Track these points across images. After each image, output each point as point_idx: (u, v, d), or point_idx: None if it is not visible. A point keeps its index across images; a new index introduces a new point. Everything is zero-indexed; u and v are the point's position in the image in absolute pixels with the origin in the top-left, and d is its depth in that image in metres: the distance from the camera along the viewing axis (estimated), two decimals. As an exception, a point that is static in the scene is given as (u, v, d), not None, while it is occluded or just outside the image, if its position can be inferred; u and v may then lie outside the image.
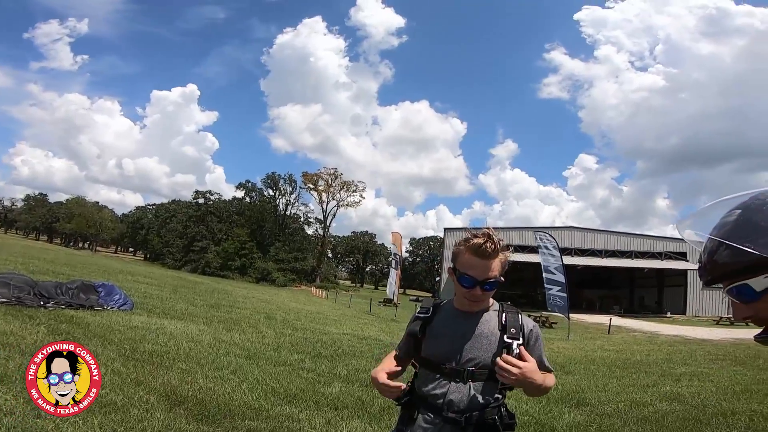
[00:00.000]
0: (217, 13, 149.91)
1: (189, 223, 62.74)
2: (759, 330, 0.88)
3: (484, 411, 1.56)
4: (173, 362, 5.35)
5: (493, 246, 1.55)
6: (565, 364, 8.85)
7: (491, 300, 1.71)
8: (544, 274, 20.03)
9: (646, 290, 44.75)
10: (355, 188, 65.18)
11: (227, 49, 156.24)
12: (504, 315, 1.65)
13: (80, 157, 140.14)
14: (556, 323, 21.82)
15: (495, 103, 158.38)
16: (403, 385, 1.62)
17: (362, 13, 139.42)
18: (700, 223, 0.88)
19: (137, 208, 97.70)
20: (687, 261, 40.63)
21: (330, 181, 64.27)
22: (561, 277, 19.11)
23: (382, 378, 1.60)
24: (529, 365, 1.49)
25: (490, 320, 1.65)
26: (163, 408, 3.70)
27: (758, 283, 0.80)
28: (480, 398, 1.57)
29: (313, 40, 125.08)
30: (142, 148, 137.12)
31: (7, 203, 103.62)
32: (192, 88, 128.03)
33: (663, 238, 45.10)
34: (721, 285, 0.87)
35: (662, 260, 41.23)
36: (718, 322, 27.57)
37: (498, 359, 1.49)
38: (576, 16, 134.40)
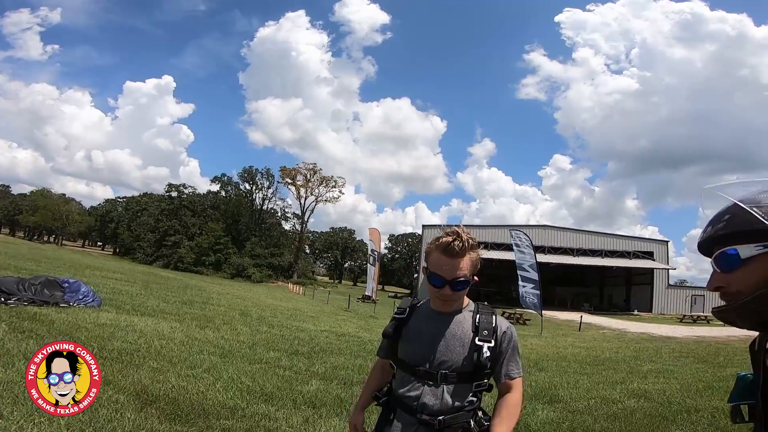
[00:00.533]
0: (197, 5, 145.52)
1: (161, 217, 60.96)
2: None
3: (458, 414, 1.55)
4: (144, 360, 5.20)
5: (461, 244, 1.52)
6: (538, 360, 9.06)
7: (467, 300, 1.69)
8: (518, 272, 20.40)
9: (614, 288, 46.31)
10: (334, 184, 64.80)
11: (206, 41, 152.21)
12: (478, 316, 1.63)
13: (46, 149, 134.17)
14: (529, 320, 22.29)
15: (474, 102, 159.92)
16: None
17: (347, 8, 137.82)
18: (727, 190, 0.90)
19: (106, 200, 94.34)
20: (654, 260, 42.27)
21: (309, 176, 63.63)
22: (534, 275, 19.51)
23: (353, 430, 1.78)
24: None
25: (464, 321, 1.63)
26: (133, 408, 3.58)
27: (746, 250, 0.84)
28: (453, 401, 1.55)
29: (296, 34, 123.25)
30: (113, 140, 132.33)
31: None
32: (168, 80, 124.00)
33: (632, 237, 46.82)
34: (713, 251, 0.90)
35: (630, 259, 42.69)
36: (682, 320, 28.75)
37: None
38: (557, 18, 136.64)
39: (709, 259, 0.91)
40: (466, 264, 1.55)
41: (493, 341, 1.58)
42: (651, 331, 19.54)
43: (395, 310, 1.78)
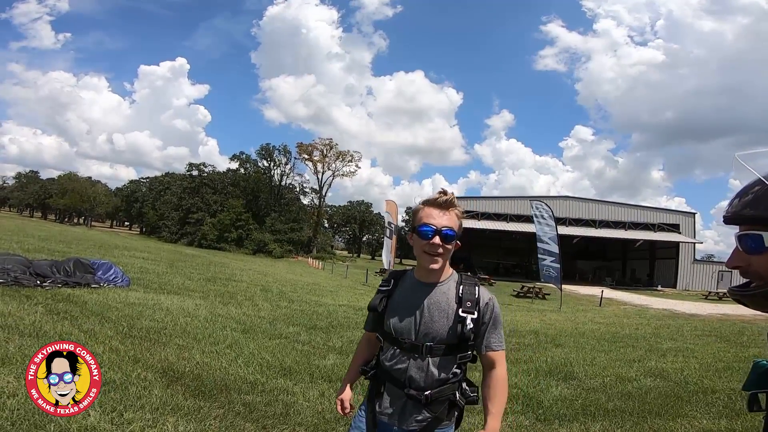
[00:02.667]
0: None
1: (184, 195, 62.32)
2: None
3: (444, 387, 1.59)
4: (170, 338, 5.44)
5: (449, 198, 1.61)
6: (555, 336, 9.06)
7: (450, 270, 1.71)
8: (538, 244, 20.15)
9: (638, 262, 45.40)
10: (350, 158, 64.77)
11: (217, 21, 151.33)
12: (461, 287, 1.64)
13: (69, 134, 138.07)
14: (548, 294, 22.22)
15: (491, 74, 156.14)
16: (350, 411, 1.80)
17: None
18: (760, 161, 0.88)
19: (131, 181, 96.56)
20: (680, 233, 41.10)
21: (325, 151, 63.71)
22: (555, 248, 19.25)
23: (339, 406, 1.82)
24: None
25: (448, 292, 1.63)
26: (160, 385, 3.78)
27: None
28: (439, 374, 1.58)
29: (305, 11, 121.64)
30: (133, 123, 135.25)
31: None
32: (181, 62, 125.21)
33: (657, 209, 45.46)
34: (737, 227, 0.89)
35: (655, 232, 41.63)
36: (707, 297, 28.20)
37: None
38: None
39: (735, 231, 0.89)
40: (453, 218, 1.61)
41: (476, 313, 1.60)
42: (674, 307, 19.24)
43: (381, 282, 1.81)
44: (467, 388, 1.65)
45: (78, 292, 7.09)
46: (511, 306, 17.50)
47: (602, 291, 22.36)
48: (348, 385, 1.85)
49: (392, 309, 1.68)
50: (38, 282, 7.04)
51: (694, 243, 40.87)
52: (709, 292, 29.79)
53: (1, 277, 6.69)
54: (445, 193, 1.62)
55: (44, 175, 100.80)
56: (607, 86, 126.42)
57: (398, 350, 1.63)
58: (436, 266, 1.62)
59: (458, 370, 1.63)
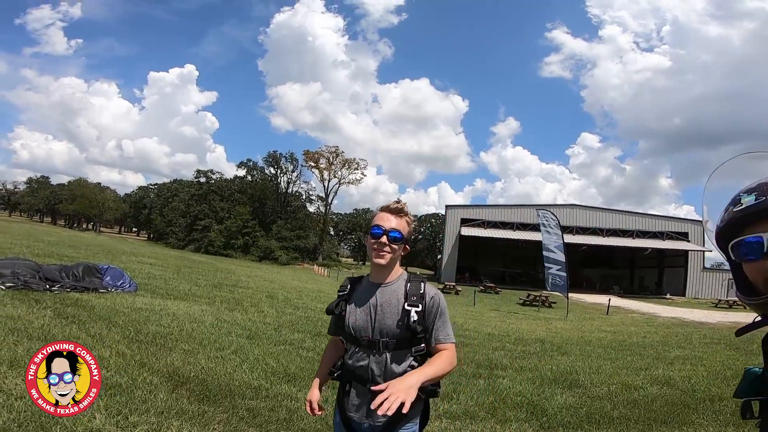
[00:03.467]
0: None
1: (191, 202, 62.81)
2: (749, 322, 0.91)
3: None
4: (176, 343, 5.49)
5: (400, 206, 1.78)
6: (561, 344, 9.01)
7: (400, 270, 1.84)
8: (544, 253, 20.07)
9: (646, 270, 44.92)
10: (356, 166, 64.99)
11: (225, 28, 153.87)
12: (409, 284, 1.76)
13: (80, 140, 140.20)
14: (555, 303, 22.06)
15: (496, 81, 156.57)
16: (320, 413, 1.86)
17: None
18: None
19: (139, 188, 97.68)
20: (688, 242, 40.67)
21: (331, 158, 63.99)
22: (561, 256, 19.16)
23: (308, 407, 1.87)
24: (394, 383, 1.51)
25: (398, 290, 1.76)
26: (166, 389, 3.82)
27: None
28: (396, 367, 1.68)
29: (311, 19, 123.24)
30: (142, 129, 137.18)
31: (9, 186, 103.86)
32: (190, 69, 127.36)
33: (665, 217, 45.04)
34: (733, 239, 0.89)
35: (663, 240, 41.22)
36: (717, 305, 27.79)
37: (372, 388, 1.56)
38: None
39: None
40: (402, 224, 1.77)
41: (420, 306, 1.70)
42: (683, 315, 19.00)
43: (339, 287, 1.91)
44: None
45: (86, 297, 7.17)
46: (516, 314, 17.39)
47: (609, 299, 22.15)
48: (316, 387, 1.91)
49: (350, 310, 1.78)
50: (47, 286, 7.13)
51: (704, 251, 40.37)
52: (719, 300, 29.36)
53: (12, 281, 6.79)
54: (398, 201, 1.80)
55: (54, 180, 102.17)
56: (613, 93, 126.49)
57: (358, 348, 1.74)
58: (382, 261, 1.75)
59: (416, 363, 1.71)
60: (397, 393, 1.46)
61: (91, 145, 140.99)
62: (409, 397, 1.46)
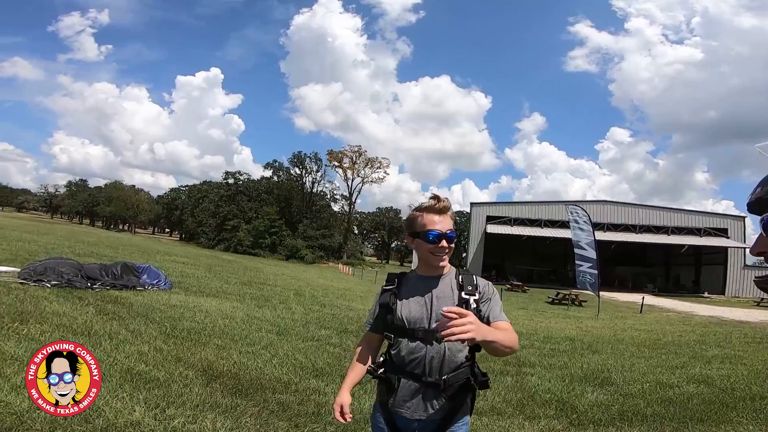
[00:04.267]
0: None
1: (220, 203, 64.47)
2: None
3: (458, 372, 1.68)
4: (209, 339, 5.68)
5: (446, 203, 1.77)
6: (592, 342, 8.80)
7: (449, 266, 1.81)
8: (574, 250, 19.51)
9: (682, 268, 43.05)
10: (379, 165, 65.21)
11: (248, 31, 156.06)
12: (460, 276, 1.77)
13: (114, 144, 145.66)
14: (585, 301, 21.49)
15: (519, 76, 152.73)
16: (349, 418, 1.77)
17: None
18: None
19: (171, 189, 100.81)
20: (728, 238, 38.81)
21: (354, 158, 64.45)
22: (592, 253, 18.58)
23: (337, 411, 1.77)
24: (472, 317, 1.47)
25: (450, 282, 1.76)
26: (200, 383, 3.97)
27: None
28: (454, 358, 1.67)
29: (330, 19, 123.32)
30: (172, 132, 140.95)
31: (51, 190, 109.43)
32: (215, 72, 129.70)
33: (702, 213, 43.11)
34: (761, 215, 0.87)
35: (701, 237, 39.45)
36: (759, 304, 26.43)
37: (443, 309, 1.45)
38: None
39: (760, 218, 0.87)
40: (450, 220, 1.77)
41: (477, 294, 1.72)
42: (722, 314, 18.16)
43: (384, 282, 1.88)
44: (478, 371, 1.73)
45: (125, 294, 7.50)
46: (545, 313, 17.06)
47: (643, 297, 21.40)
48: (347, 390, 1.82)
49: (401, 304, 1.76)
50: (89, 284, 7.51)
51: (745, 248, 38.40)
52: (762, 299, 27.88)
53: (56, 279, 7.19)
54: (439, 198, 1.76)
55: (92, 183, 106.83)
56: (643, 86, 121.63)
57: (412, 341, 1.70)
58: (444, 263, 1.77)
59: (469, 354, 1.73)
60: (472, 326, 1.39)
61: (124, 148, 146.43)
62: (475, 335, 1.39)
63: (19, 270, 7.65)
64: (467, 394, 1.72)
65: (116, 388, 3.42)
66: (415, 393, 1.69)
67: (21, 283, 6.85)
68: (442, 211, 1.75)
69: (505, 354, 1.66)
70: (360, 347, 1.92)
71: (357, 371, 1.87)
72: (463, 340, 1.40)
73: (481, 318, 1.67)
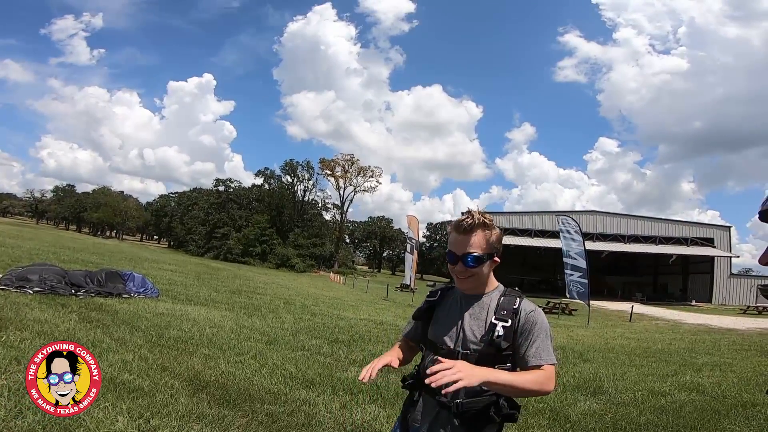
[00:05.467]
0: (230, 1, 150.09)
1: (211, 211, 64.00)
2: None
3: (477, 399, 1.53)
4: (197, 348, 5.56)
5: (471, 221, 1.58)
6: (583, 351, 8.81)
7: (496, 283, 1.69)
8: (564, 260, 19.71)
9: (670, 277, 43.64)
10: (371, 174, 65.37)
11: (242, 37, 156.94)
12: (502, 298, 1.62)
13: (103, 149, 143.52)
14: (576, 310, 21.61)
15: (510, 86, 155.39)
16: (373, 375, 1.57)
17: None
18: None
19: (160, 196, 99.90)
20: (714, 247, 39.46)
21: (347, 167, 64.54)
22: (582, 263, 18.76)
23: (370, 366, 1.59)
24: (462, 363, 1.40)
25: (490, 302, 1.63)
26: (186, 393, 3.86)
27: None
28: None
29: (323, 27, 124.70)
30: (162, 138, 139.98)
31: (37, 194, 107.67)
32: (208, 78, 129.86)
33: (689, 223, 43.87)
34: None
35: (688, 246, 40.09)
36: (746, 311, 26.83)
37: (433, 362, 1.39)
38: (595, 0, 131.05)
39: None
40: (478, 240, 1.58)
41: (509, 321, 1.55)
42: (710, 322, 18.38)
43: (428, 293, 1.83)
44: (505, 403, 1.54)
45: (110, 302, 7.34)
46: (536, 321, 17.09)
47: (632, 306, 21.58)
48: (392, 356, 1.70)
49: (436, 319, 1.71)
50: (73, 291, 7.33)
51: (731, 257, 39.09)
52: (748, 307, 28.31)
53: (39, 285, 7.01)
54: (470, 214, 1.61)
55: (79, 188, 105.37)
56: (631, 96, 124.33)
57: (436, 358, 1.59)
58: (463, 287, 1.66)
59: None
60: (458, 371, 1.34)
61: (114, 153, 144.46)
62: (467, 382, 1.33)
63: (0, 276, 7.44)
64: (487, 424, 1.54)
65: (99, 397, 3.29)
66: (431, 411, 1.61)
67: (2, 289, 6.66)
68: (464, 229, 1.59)
69: (522, 396, 1.53)
70: (399, 344, 1.84)
71: (397, 349, 1.77)
72: (455, 389, 1.33)
73: (513, 351, 1.55)
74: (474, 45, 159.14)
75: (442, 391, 1.35)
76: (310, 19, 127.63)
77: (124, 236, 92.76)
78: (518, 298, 1.61)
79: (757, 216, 0.89)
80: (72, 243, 26.69)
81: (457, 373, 1.34)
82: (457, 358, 1.52)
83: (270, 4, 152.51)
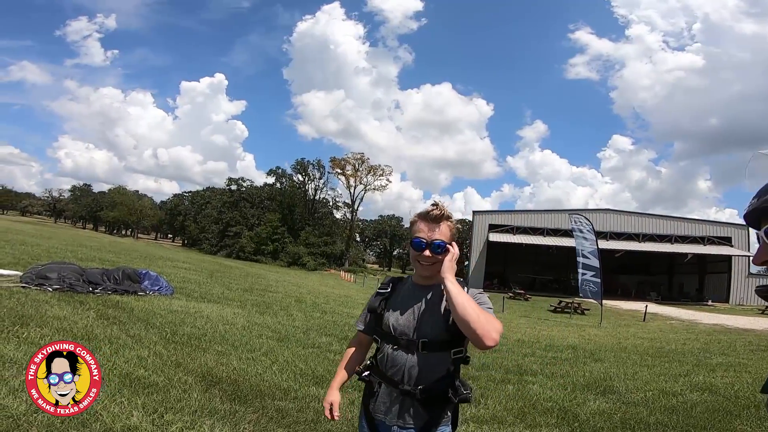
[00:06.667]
0: (240, 2, 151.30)
1: (223, 209, 64.71)
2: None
3: (437, 383, 1.64)
4: (210, 344, 5.67)
5: (439, 212, 1.71)
6: (594, 351, 8.75)
7: None
8: (578, 259, 19.52)
9: (686, 277, 42.81)
10: (381, 172, 65.34)
11: (252, 37, 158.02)
12: None
13: (118, 148, 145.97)
14: (588, 310, 21.40)
15: (521, 84, 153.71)
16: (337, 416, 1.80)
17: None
18: None
19: (174, 195, 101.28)
20: (731, 246, 38.61)
21: (357, 165, 64.57)
22: (595, 262, 18.55)
23: (327, 410, 1.81)
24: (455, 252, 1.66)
25: (442, 292, 1.70)
26: (199, 389, 3.95)
27: None
28: (432, 370, 1.64)
29: (332, 26, 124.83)
30: (175, 138, 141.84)
31: (55, 194, 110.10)
32: (220, 78, 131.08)
33: (706, 221, 42.90)
34: (757, 227, 0.89)
35: (704, 245, 39.28)
36: (763, 312, 26.19)
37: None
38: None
39: (756, 231, 0.89)
40: (444, 230, 1.71)
41: None
42: (726, 322, 18.02)
43: (378, 285, 1.89)
44: (460, 385, 1.67)
45: (126, 299, 7.50)
46: (547, 321, 16.98)
47: (646, 306, 21.26)
48: (336, 389, 1.86)
49: (391, 310, 1.76)
50: (90, 289, 7.51)
51: (749, 256, 38.16)
52: (766, 307, 27.65)
53: (58, 283, 7.20)
54: (436, 206, 1.73)
55: (96, 188, 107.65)
56: (644, 94, 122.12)
57: (395, 348, 1.70)
58: (427, 273, 1.73)
59: (452, 367, 1.68)
60: (450, 263, 1.61)
61: (128, 153, 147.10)
62: (444, 271, 1.63)
63: (21, 274, 7.67)
64: (446, 406, 1.68)
65: (115, 392, 3.40)
66: (394, 400, 1.69)
67: (23, 286, 6.86)
68: (435, 219, 1.71)
69: (470, 329, 1.49)
70: (351, 347, 1.96)
71: (343, 371, 1.90)
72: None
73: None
74: (483, 43, 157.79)
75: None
76: (319, 18, 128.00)
77: (139, 235, 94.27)
78: (465, 286, 1.70)
79: (743, 218, 0.90)
80: (89, 241, 27.24)
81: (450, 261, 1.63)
82: (417, 347, 1.65)
83: (279, 4, 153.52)
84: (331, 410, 1.80)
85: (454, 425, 1.75)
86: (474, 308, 1.53)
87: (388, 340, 1.74)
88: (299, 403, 4.04)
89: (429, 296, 1.74)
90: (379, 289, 1.87)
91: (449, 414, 1.70)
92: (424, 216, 1.73)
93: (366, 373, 1.80)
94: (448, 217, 1.73)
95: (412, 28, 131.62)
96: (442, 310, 1.68)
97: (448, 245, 1.70)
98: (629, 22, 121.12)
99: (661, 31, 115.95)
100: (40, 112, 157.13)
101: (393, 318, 1.74)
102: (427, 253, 1.68)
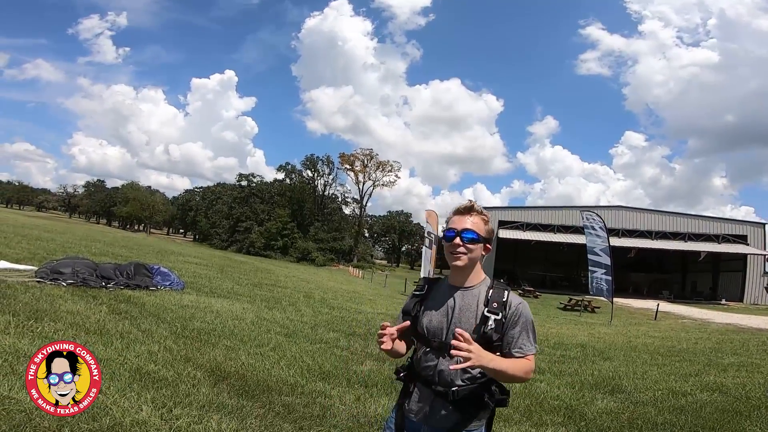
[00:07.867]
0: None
1: (234, 205, 65.31)
2: None
3: (472, 386, 1.64)
4: (219, 339, 5.72)
5: (470, 204, 1.74)
6: (604, 349, 8.68)
7: (483, 275, 1.76)
8: (588, 256, 19.36)
9: (699, 275, 42.06)
10: (390, 168, 65.35)
11: (261, 34, 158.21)
12: (491, 291, 1.70)
13: (131, 145, 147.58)
14: (598, 307, 21.21)
15: (531, 80, 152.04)
16: (392, 330, 1.67)
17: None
18: None
19: (186, 191, 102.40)
20: (747, 245, 37.87)
21: (366, 161, 64.69)
22: (607, 260, 18.37)
23: (386, 326, 1.69)
24: (478, 347, 1.51)
25: (479, 295, 1.70)
26: (208, 383, 4.01)
27: None
28: (467, 373, 1.64)
29: (340, 23, 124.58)
30: (186, 134, 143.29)
31: (70, 190, 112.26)
32: (230, 74, 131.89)
33: (720, 219, 42.07)
34: None
35: (719, 243, 38.56)
36: (780, 310, 25.71)
37: (456, 330, 1.51)
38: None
39: None
40: (476, 222, 1.71)
41: (500, 314, 1.64)
42: (739, 322, 17.70)
43: (414, 287, 1.88)
44: (496, 389, 1.67)
45: (138, 294, 7.61)
46: (557, 319, 16.86)
47: (658, 304, 20.99)
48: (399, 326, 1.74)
49: (426, 311, 1.76)
50: (103, 283, 7.64)
51: (765, 255, 37.43)
52: (783, 307, 27.14)
53: (72, 278, 7.34)
54: (469, 201, 1.77)
55: (109, 184, 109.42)
56: (658, 90, 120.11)
57: (429, 350, 1.71)
58: (459, 263, 1.70)
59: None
60: (472, 354, 1.46)
61: (141, 149, 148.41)
62: (475, 361, 1.47)
63: (36, 269, 7.83)
64: (479, 408, 1.67)
65: (125, 387, 3.46)
66: (426, 400, 1.69)
67: (38, 281, 7.01)
68: (466, 210, 1.73)
69: (510, 382, 1.64)
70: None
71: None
72: (464, 366, 1.48)
73: (501, 342, 1.65)
74: (492, 39, 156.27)
75: (451, 367, 1.55)
76: (327, 14, 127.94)
77: (152, 230, 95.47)
78: (506, 291, 1.70)
79: None
80: (102, 236, 27.67)
81: (473, 355, 1.46)
82: (448, 350, 1.58)
83: (288, 1, 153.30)
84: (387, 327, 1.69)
85: (488, 428, 1.74)
86: (515, 374, 1.59)
87: (422, 341, 1.75)
88: (306, 399, 4.07)
89: (463, 298, 1.71)
90: (414, 290, 1.87)
91: (484, 417, 1.70)
92: (456, 210, 1.76)
93: (403, 373, 1.81)
94: (481, 212, 1.74)
95: (420, 23, 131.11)
96: (478, 314, 1.67)
97: (480, 237, 1.69)
98: (642, 17, 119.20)
99: (675, 27, 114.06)
100: (54, 109, 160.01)
101: (426, 319, 1.74)
102: (457, 241, 1.68)
